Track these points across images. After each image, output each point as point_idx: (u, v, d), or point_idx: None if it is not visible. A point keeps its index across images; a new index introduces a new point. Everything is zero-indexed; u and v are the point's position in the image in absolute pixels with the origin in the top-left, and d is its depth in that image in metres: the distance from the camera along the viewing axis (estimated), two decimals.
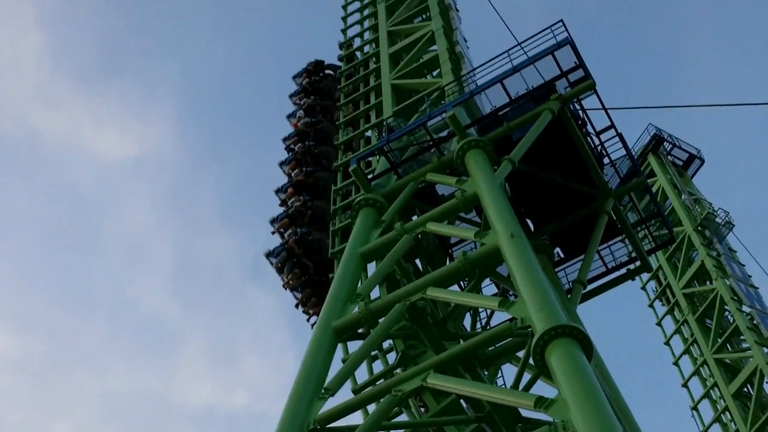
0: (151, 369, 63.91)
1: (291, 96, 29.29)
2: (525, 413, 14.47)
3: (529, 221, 20.95)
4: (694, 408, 36.10)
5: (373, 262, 17.76)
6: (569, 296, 19.41)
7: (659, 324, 39.32)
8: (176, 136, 74.59)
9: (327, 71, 29.30)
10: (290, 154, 26.83)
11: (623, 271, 21.60)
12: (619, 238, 21.56)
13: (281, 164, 26.89)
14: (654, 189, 40.13)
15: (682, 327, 37.96)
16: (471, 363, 15.47)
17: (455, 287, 18.38)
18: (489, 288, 21.30)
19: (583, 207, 20.49)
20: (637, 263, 21.40)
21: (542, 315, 12.46)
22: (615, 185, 20.78)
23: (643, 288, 40.78)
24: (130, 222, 68.32)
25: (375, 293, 17.33)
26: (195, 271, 67.86)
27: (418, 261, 19.93)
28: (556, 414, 10.92)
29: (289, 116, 28.73)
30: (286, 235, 24.26)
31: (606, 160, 20.91)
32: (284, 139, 27.75)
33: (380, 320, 15.36)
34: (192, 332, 66.95)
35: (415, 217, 18.89)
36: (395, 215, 18.33)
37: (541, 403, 11.22)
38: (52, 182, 68.27)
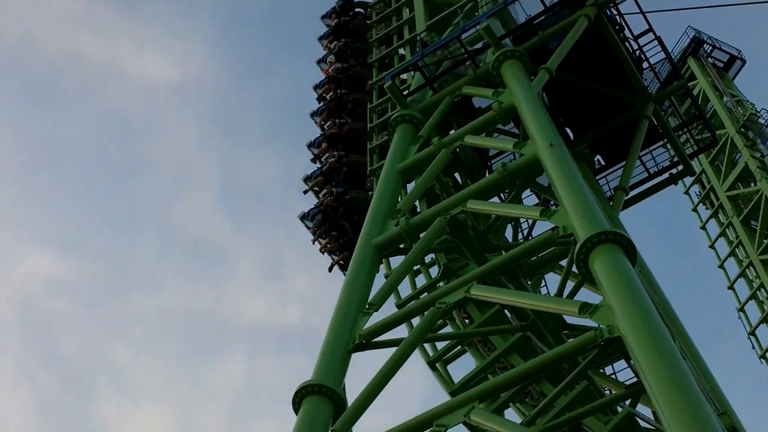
0: (203, 287, 65.01)
1: (320, 39, 26.96)
2: (570, 320, 14.54)
3: (568, 130, 20.78)
4: (741, 309, 36.04)
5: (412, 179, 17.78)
6: (611, 203, 19.33)
7: (704, 228, 39.06)
8: (217, 55, 74.34)
9: (356, 9, 26.95)
10: (322, 103, 24.80)
11: (666, 175, 21.43)
12: (661, 143, 21.34)
13: (313, 115, 24.99)
14: (695, 92, 39.41)
15: (726, 230, 37.67)
16: (514, 273, 15.50)
17: (495, 199, 18.37)
18: (530, 199, 21.27)
19: (622, 113, 20.26)
20: (680, 167, 21.21)
21: (584, 222, 12.38)
22: (655, 90, 20.48)
23: (687, 193, 40.40)
24: (175, 143, 68.75)
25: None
26: (241, 189, 68.38)
27: (457, 175, 19.88)
28: (601, 319, 10.93)
29: (320, 61, 26.48)
30: (321, 195, 22.72)
31: (645, 65, 20.57)
32: (315, 87, 25.70)
33: (421, 235, 15.41)
34: (241, 250, 67.80)
35: (452, 132, 18.78)
36: (432, 130, 18.23)
37: (585, 309, 11.23)
38: (96, 106, 68.65)
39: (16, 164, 64.62)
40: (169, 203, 67.29)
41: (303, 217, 22.77)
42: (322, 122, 24.39)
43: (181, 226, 65.42)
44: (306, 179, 23.50)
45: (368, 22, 25.57)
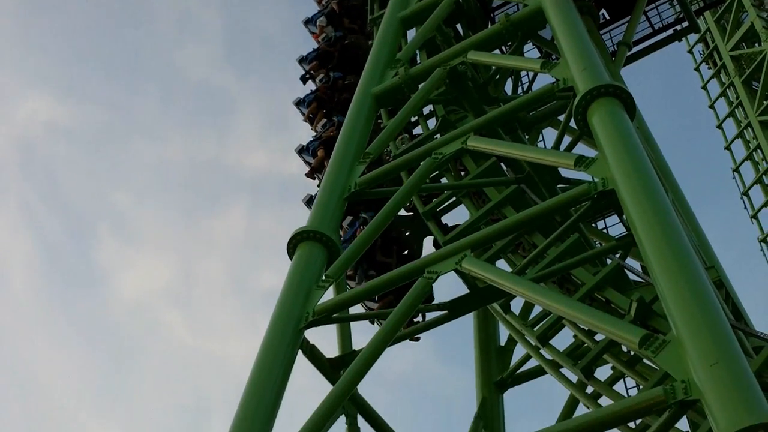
0: (205, 136, 64.76)
1: None
2: (565, 174, 14.59)
3: None
4: (736, 170, 36.23)
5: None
6: (614, 59, 19.17)
7: (704, 87, 38.82)
8: None
9: None
10: (310, 92, 19.39)
11: (670, 32, 21.21)
12: None
13: (298, 104, 19.37)
14: None
15: (727, 90, 37.44)
16: (512, 126, 15.47)
17: (497, 52, 18.13)
18: (532, 52, 21.07)
19: None
20: (685, 24, 20.99)
21: (585, 75, 12.26)
22: None
23: (690, 51, 39.95)
24: None
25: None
26: (245, 39, 67.20)
27: (459, 27, 19.57)
28: (595, 172, 10.95)
29: (307, 22, 20.72)
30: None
31: None
32: (300, 61, 20.00)
33: (420, 86, 15.30)
34: (244, 100, 67.24)
35: None
36: None
37: (581, 161, 11.24)
38: None
39: (17, 7, 63.33)
40: (171, 51, 66.31)
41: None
42: (310, 115, 18.98)
43: (184, 74, 64.69)
44: (308, 202, 18.59)
45: None
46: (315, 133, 18.79)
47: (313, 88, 19.47)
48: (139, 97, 65.13)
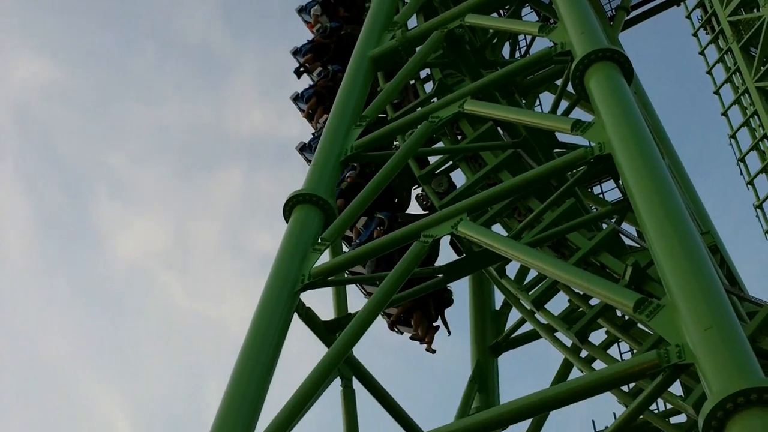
0: (202, 99, 64.21)
1: None
2: (561, 138, 14.58)
3: None
4: (732, 136, 36.13)
5: None
6: (612, 23, 19.10)
7: (702, 53, 38.61)
8: None
9: None
10: (308, 86, 18.15)
11: None
12: None
13: (296, 99, 18.15)
14: None
15: (725, 56, 37.25)
16: (509, 90, 15.43)
17: (495, 15, 18.03)
18: (530, 16, 20.94)
19: None
20: None
21: (583, 38, 12.21)
22: None
23: (688, 17, 39.71)
24: None
25: (413, 23, 17.05)
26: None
27: None
28: (592, 137, 10.94)
29: (301, 11, 19.42)
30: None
31: None
32: (294, 53, 18.74)
33: (417, 49, 15.23)
34: (242, 61, 66.70)
35: None
36: None
37: (578, 126, 11.22)
38: None
39: None
40: (168, 12, 65.76)
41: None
42: (310, 110, 17.79)
43: (181, 35, 64.13)
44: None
45: None
46: (315, 130, 17.95)
47: (309, 82, 18.61)
48: (135, 59, 64.66)
